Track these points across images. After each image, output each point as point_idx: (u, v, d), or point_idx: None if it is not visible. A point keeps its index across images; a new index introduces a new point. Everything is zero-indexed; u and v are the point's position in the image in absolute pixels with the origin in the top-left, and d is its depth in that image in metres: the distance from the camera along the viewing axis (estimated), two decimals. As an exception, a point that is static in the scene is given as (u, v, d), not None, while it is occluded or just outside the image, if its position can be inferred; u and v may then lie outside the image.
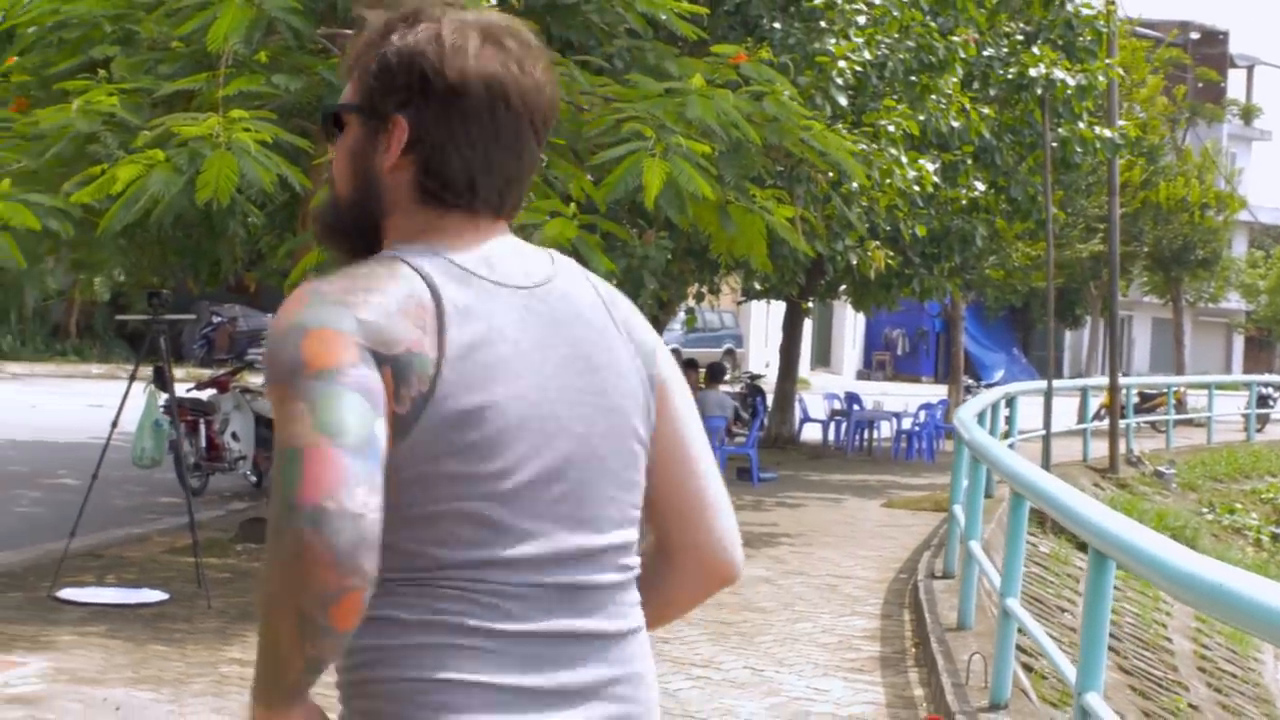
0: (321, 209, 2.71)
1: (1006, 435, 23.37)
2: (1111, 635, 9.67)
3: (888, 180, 16.53)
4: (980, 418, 19.62)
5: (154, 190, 10.29)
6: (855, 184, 15.74)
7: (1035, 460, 19.42)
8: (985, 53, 22.34)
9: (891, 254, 20.32)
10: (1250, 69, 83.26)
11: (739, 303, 35.99)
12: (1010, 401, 23.32)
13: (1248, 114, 76.23)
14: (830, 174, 14.30)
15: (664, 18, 12.80)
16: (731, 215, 12.34)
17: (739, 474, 22.56)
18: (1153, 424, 35.23)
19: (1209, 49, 77.76)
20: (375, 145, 2.64)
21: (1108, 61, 23.73)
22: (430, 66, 2.62)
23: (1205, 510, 26.28)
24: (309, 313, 2.45)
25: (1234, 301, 61.92)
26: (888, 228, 18.96)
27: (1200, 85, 59.13)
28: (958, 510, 12.83)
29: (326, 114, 2.72)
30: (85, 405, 27.27)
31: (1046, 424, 19.41)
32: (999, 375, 58.49)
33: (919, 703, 9.47)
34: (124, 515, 15.75)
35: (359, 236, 2.66)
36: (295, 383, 2.37)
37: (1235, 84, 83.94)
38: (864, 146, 16.08)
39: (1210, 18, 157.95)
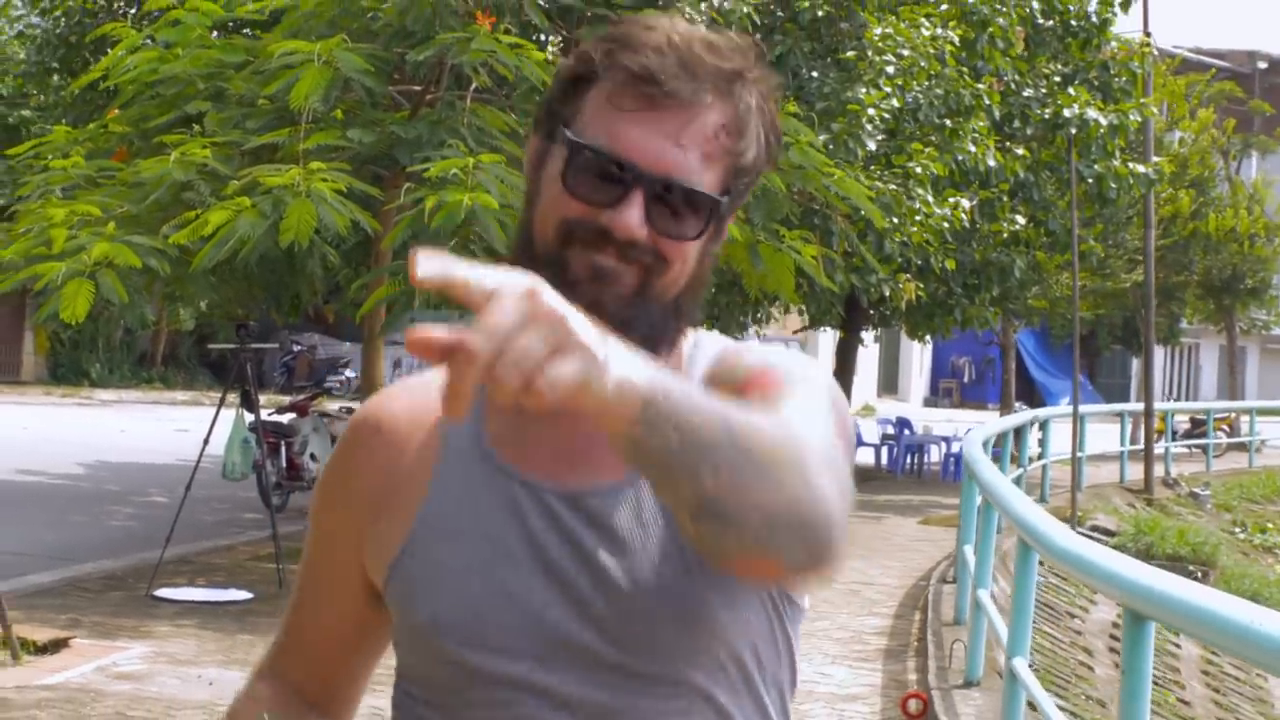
0: (645, 301, 2.09)
1: (1039, 458, 24.64)
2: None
3: (916, 218, 17.83)
4: (1000, 442, 20.80)
5: (242, 233, 11.56)
6: (892, 222, 17.09)
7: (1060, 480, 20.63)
8: (1025, 93, 23.61)
9: (922, 286, 21.57)
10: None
11: (797, 331, 37.25)
12: (1043, 425, 24.52)
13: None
14: (850, 216, 15.52)
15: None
16: (761, 254, 13.60)
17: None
18: (1202, 448, 36.24)
19: (1276, 78, 78.45)
20: (715, 246, 2.17)
21: (1143, 101, 24.92)
22: (776, 150, 2.22)
23: (1237, 529, 27.34)
24: None
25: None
26: (919, 262, 20.22)
27: (1262, 116, 59.83)
28: (968, 553, 11.80)
29: (683, 197, 2.06)
30: (172, 430, 28.68)
31: (1074, 448, 20.57)
32: (1065, 402, 59.40)
33: (910, 685, 10.74)
34: (212, 528, 17.12)
35: (675, 340, 2.15)
36: (848, 450, 2.08)
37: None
38: (894, 187, 17.39)
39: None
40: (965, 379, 70.41)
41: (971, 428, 28.85)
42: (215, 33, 14.41)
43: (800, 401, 1.98)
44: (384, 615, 2.23)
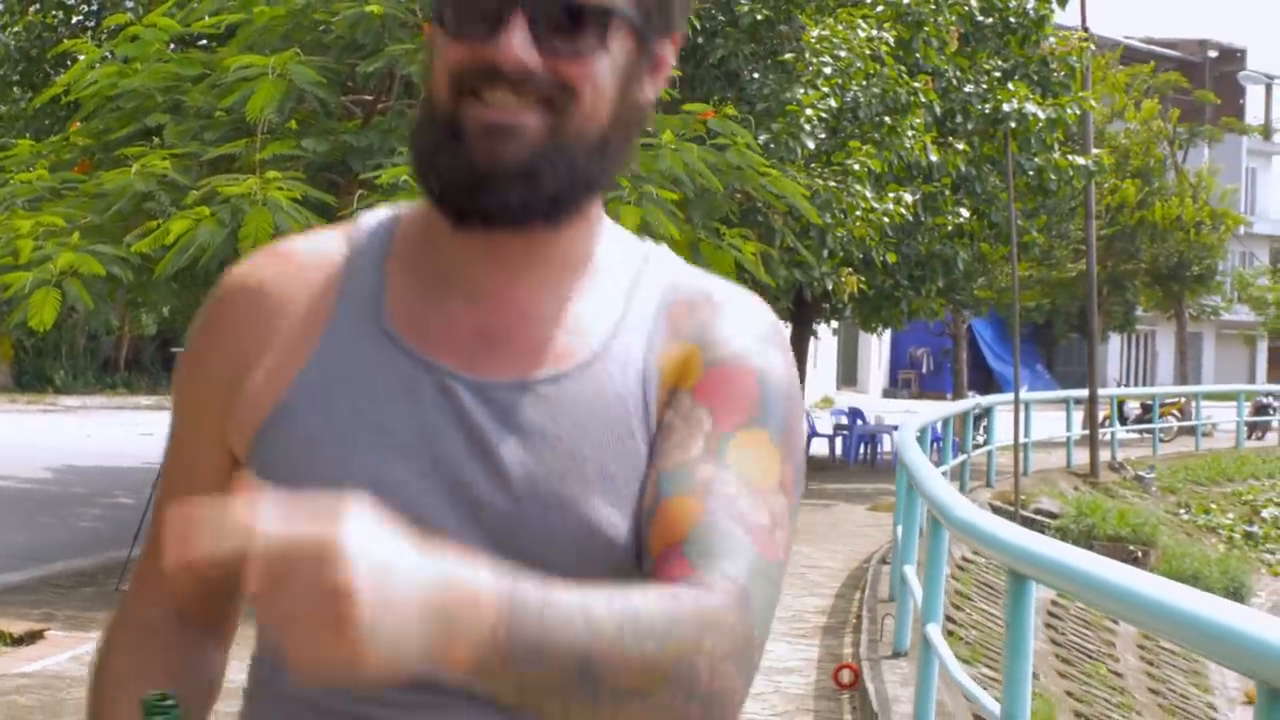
0: (559, 147, 1.84)
1: (983, 445, 25.31)
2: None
3: (856, 214, 18.48)
4: (946, 430, 21.44)
5: (202, 241, 12.07)
6: (829, 219, 17.73)
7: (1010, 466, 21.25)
8: (966, 89, 24.25)
9: (864, 279, 22.21)
10: (1268, 86, 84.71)
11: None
12: (986, 412, 25.18)
13: (1266, 131, 77.67)
14: (788, 213, 16.09)
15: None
16: (702, 252, 14.15)
17: (742, 484, 24.48)
18: (1151, 432, 36.91)
19: (1226, 66, 79.37)
20: (643, 74, 1.92)
21: (1081, 94, 25.60)
22: None
23: (1181, 511, 28.05)
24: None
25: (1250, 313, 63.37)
26: (860, 256, 20.85)
27: (1213, 105, 60.63)
28: (899, 532, 12.09)
29: (572, 11, 1.82)
30: (136, 433, 29.10)
31: (1016, 434, 21.20)
32: (1022, 390, 60.04)
33: (845, 658, 11.33)
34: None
35: (595, 192, 1.92)
36: (795, 496, 1.87)
37: (1255, 100, 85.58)
38: (833, 184, 18.04)
39: (1231, 35, 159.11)
40: (924, 370, 71.14)
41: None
42: (172, 46, 14.74)
43: (747, 472, 1.79)
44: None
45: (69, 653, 10.90)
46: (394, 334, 1.90)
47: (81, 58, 14.70)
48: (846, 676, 10.14)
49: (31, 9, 21.52)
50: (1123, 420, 38.69)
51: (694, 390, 1.85)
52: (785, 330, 1.96)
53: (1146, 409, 38.94)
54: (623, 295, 1.92)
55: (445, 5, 1.85)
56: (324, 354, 1.91)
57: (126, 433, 30.05)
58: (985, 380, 59.76)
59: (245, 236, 11.87)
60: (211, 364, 1.97)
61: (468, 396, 1.86)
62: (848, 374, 67.96)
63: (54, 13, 21.60)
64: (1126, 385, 64.18)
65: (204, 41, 16.82)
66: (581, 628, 1.56)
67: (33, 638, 11.26)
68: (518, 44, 1.80)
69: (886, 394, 68.13)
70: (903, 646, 10.47)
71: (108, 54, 14.46)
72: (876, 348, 68.47)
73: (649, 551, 1.79)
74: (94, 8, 21.57)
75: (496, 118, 1.82)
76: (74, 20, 21.84)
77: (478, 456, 1.84)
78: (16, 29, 21.86)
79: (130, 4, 19.79)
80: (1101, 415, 33.82)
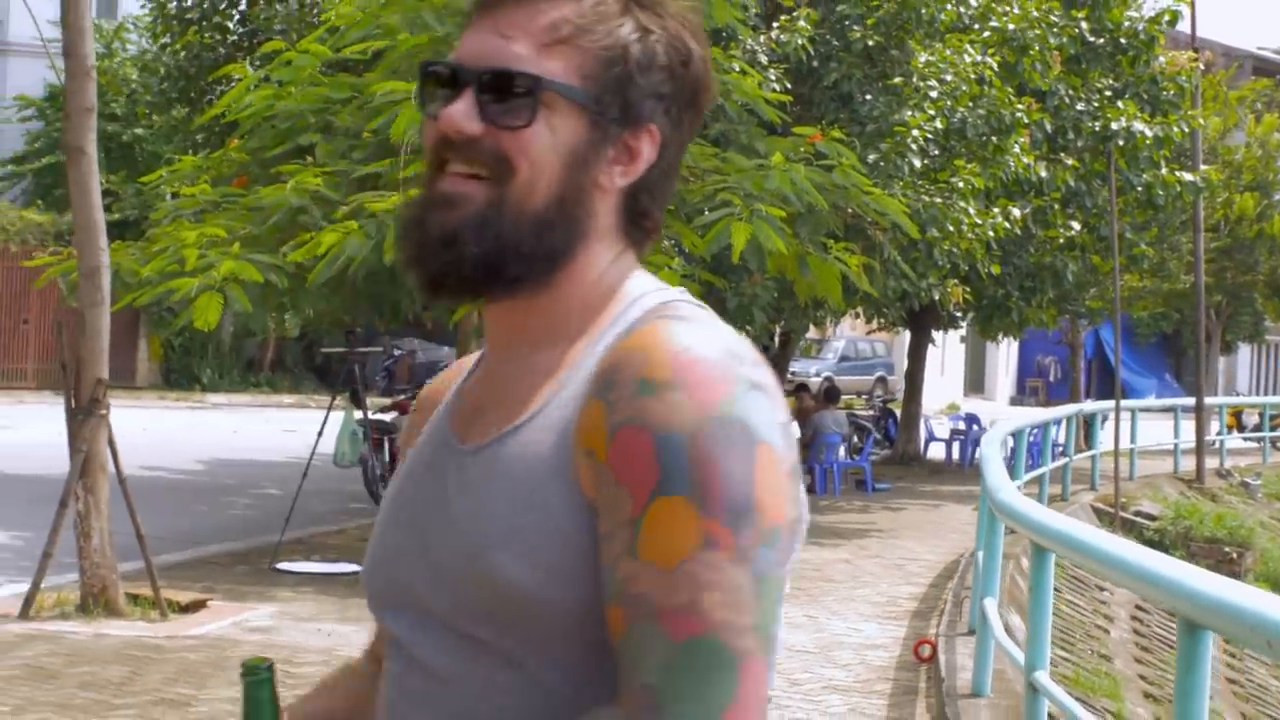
0: (490, 218, 1.97)
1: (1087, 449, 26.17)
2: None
3: (959, 228, 19.59)
4: (1042, 434, 22.31)
5: (350, 252, 13.23)
6: (934, 233, 18.88)
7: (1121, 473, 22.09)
8: (1077, 107, 25.21)
9: (969, 290, 23.31)
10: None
11: (870, 332, 39.06)
12: (1089, 419, 26.09)
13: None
14: (889, 229, 17.14)
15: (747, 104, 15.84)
16: (809, 264, 15.28)
17: (857, 485, 25.54)
18: (1274, 443, 37.43)
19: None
20: (600, 153, 2.00)
21: (1191, 112, 26.49)
22: (702, 71, 2.08)
23: (1286, 517, 28.80)
24: (751, 406, 1.85)
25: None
26: (965, 268, 21.91)
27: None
28: (981, 559, 11.27)
29: (493, 81, 1.97)
30: (280, 430, 30.48)
31: (1116, 439, 22.13)
32: (1150, 399, 60.35)
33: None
34: (323, 515, 18.91)
35: (540, 266, 2.00)
36: (742, 533, 1.79)
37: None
38: (939, 200, 19.16)
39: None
40: (1051, 378, 71.45)
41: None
42: (323, 71, 15.72)
43: (660, 553, 1.80)
44: None
45: (230, 620, 12.19)
46: (447, 418, 2.12)
47: (241, 81, 15.80)
48: (925, 651, 11.21)
49: (190, 30, 22.88)
50: (1241, 429, 39.40)
51: (609, 463, 1.85)
52: (699, 340, 1.88)
53: (1271, 418, 39.49)
54: (579, 360, 1.98)
55: (424, 96, 2.05)
56: (409, 456, 2.17)
57: (271, 429, 31.38)
58: (1112, 388, 60.02)
59: (390, 248, 13.00)
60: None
61: (450, 463, 2.04)
62: (975, 381, 68.60)
63: (211, 35, 22.94)
64: (1256, 395, 64.20)
65: (351, 67, 17.95)
66: None
67: (197, 606, 12.55)
68: (458, 112, 1.96)
69: (1013, 401, 68.49)
70: (975, 624, 11.54)
71: (265, 78, 15.54)
72: (1004, 356, 68.97)
73: None
74: (248, 29, 22.84)
75: (445, 187, 1.99)
76: (228, 39, 23.15)
77: (437, 517, 2.01)
78: (177, 48, 23.26)
79: (281, 28, 20.95)
80: (1220, 424, 34.49)
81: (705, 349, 1.85)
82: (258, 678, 2.12)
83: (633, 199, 2.06)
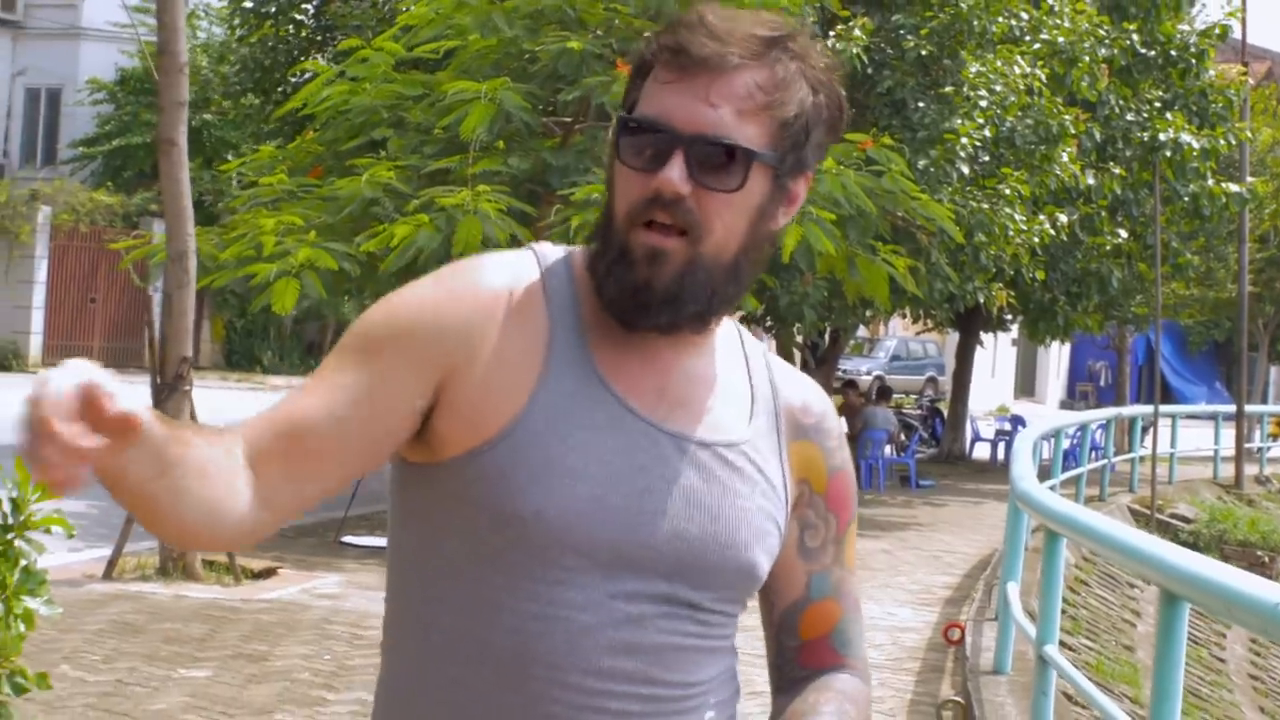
0: (696, 273, 2.21)
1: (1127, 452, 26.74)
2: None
3: (1007, 234, 20.27)
4: (1081, 435, 22.88)
5: (420, 244, 13.77)
6: (980, 238, 19.58)
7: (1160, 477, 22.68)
8: (1127, 117, 25.83)
9: (1013, 294, 24.02)
10: None
11: (920, 332, 39.80)
12: (1132, 423, 26.68)
13: None
14: (935, 233, 17.77)
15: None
16: (858, 265, 15.92)
17: (901, 481, 26.22)
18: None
19: None
20: (778, 205, 2.28)
21: (1239, 125, 27.08)
22: (844, 112, 2.33)
23: (1324, 522, 29.26)
24: None
25: None
26: (1011, 272, 22.61)
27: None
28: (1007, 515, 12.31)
29: (706, 147, 2.19)
30: (340, 412, 31.25)
31: (1154, 442, 22.73)
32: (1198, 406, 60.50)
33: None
34: (385, 495, 19.63)
35: (731, 306, 2.32)
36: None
37: None
38: (986, 206, 19.84)
39: None
40: (1101, 383, 71.72)
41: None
42: (396, 68, 16.25)
43: (850, 559, 2.51)
44: (384, 452, 2.29)
45: (299, 586, 12.94)
46: (603, 378, 2.27)
47: (315, 75, 16.39)
48: (955, 634, 11.87)
49: (266, 24, 23.61)
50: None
51: (825, 495, 2.44)
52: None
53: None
54: (744, 371, 2.42)
55: (626, 148, 2.22)
56: (551, 383, 2.25)
57: (331, 411, 32.06)
58: (1162, 395, 60.36)
59: (458, 241, 13.62)
60: (429, 339, 2.24)
61: (666, 442, 2.27)
62: (1025, 385, 69.07)
63: (286, 29, 23.66)
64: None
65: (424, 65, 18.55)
66: None
67: (268, 573, 13.32)
68: (674, 174, 2.16)
69: (1063, 405, 68.79)
70: (999, 608, 12.22)
71: (341, 73, 16.07)
72: (1055, 360, 69.37)
73: (797, 633, 2.47)
74: (322, 24, 23.54)
75: (654, 242, 2.18)
76: (303, 34, 23.86)
77: (680, 495, 2.26)
78: (252, 40, 24.00)
79: (356, 25, 21.61)
80: (1261, 432, 35.00)
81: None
82: None
83: None
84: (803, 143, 2.24)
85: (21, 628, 5.11)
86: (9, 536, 5.10)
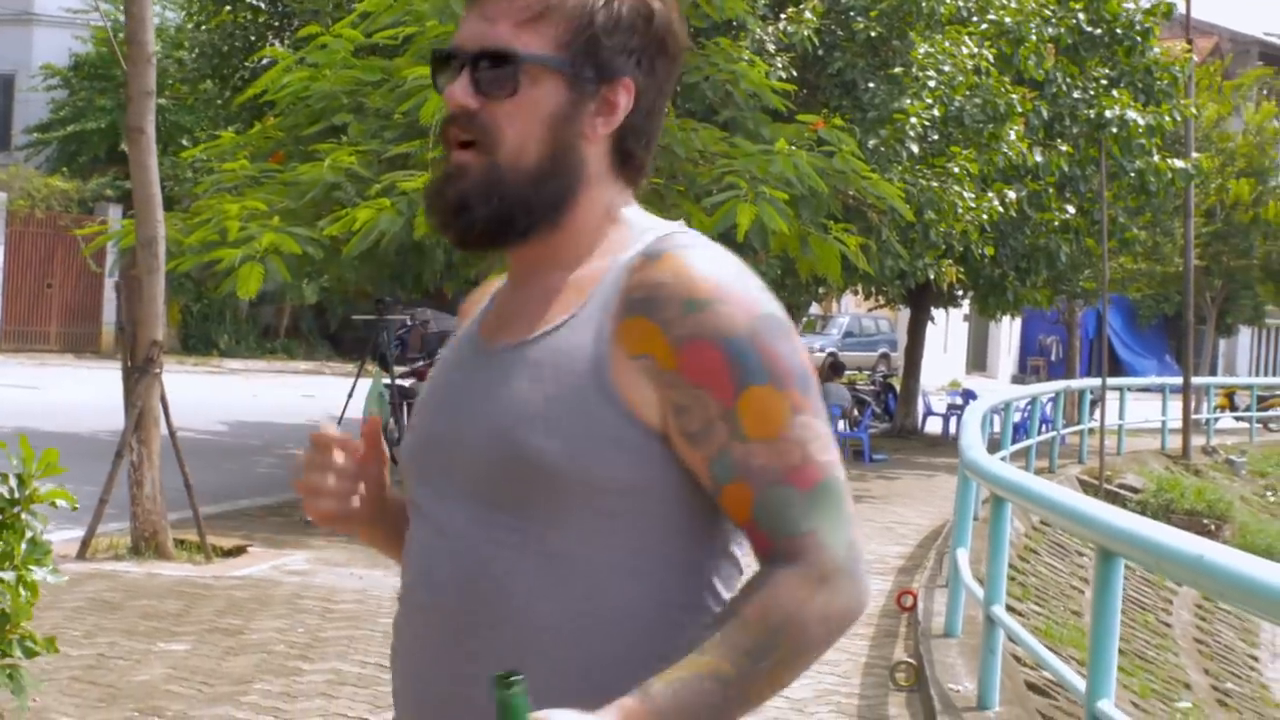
0: (491, 181, 2.33)
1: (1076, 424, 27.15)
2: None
3: (954, 212, 20.67)
4: (1030, 407, 23.29)
5: (382, 227, 14.05)
6: (930, 215, 20.02)
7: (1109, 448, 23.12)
8: (1074, 95, 26.25)
9: (963, 270, 24.46)
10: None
11: (873, 309, 40.25)
12: (1081, 395, 27.13)
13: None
14: (885, 211, 18.13)
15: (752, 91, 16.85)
16: (810, 244, 16.24)
17: (854, 455, 26.62)
18: (1257, 420, 38.52)
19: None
20: (582, 110, 2.33)
21: (1184, 101, 27.54)
22: (666, 24, 2.38)
23: (1269, 493, 29.80)
24: (772, 302, 2.32)
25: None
26: (960, 249, 23.04)
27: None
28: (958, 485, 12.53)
29: (483, 60, 2.33)
30: (298, 395, 31.49)
31: (1102, 415, 23.15)
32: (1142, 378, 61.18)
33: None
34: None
35: (546, 214, 2.35)
36: (809, 393, 2.28)
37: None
38: (935, 184, 20.23)
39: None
40: (1053, 357, 72.35)
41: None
42: (356, 54, 16.36)
43: (761, 431, 2.25)
44: None
45: (269, 564, 13.27)
46: (481, 317, 2.51)
47: (274, 62, 16.61)
48: (908, 600, 12.23)
49: (224, 10, 23.80)
50: (1233, 409, 40.49)
51: (679, 370, 2.25)
52: (717, 264, 2.30)
53: (1260, 400, 40.59)
54: (601, 277, 2.34)
55: (438, 80, 2.41)
56: (448, 347, 2.55)
57: (289, 394, 32.39)
58: (1112, 368, 61.00)
59: (420, 225, 13.88)
60: None
61: (480, 361, 2.41)
62: (977, 360, 69.69)
63: (244, 15, 23.86)
64: (1257, 377, 65.09)
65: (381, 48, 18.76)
66: (711, 687, 2.18)
67: (238, 552, 13.63)
68: (459, 89, 2.31)
69: (1015, 379, 69.35)
70: (950, 574, 12.62)
71: (300, 59, 16.27)
72: (1006, 335, 69.98)
73: (735, 525, 2.32)
74: (280, 10, 23.73)
75: (453, 159, 2.36)
76: (260, 20, 24.05)
77: (467, 403, 2.38)
78: (210, 26, 24.18)
79: (314, 10, 21.80)
80: (1212, 404, 35.57)
81: (728, 268, 2.29)
82: (510, 689, 2.11)
83: (619, 143, 2.38)
84: (597, 47, 2.33)
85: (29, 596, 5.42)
86: (15, 510, 5.41)
